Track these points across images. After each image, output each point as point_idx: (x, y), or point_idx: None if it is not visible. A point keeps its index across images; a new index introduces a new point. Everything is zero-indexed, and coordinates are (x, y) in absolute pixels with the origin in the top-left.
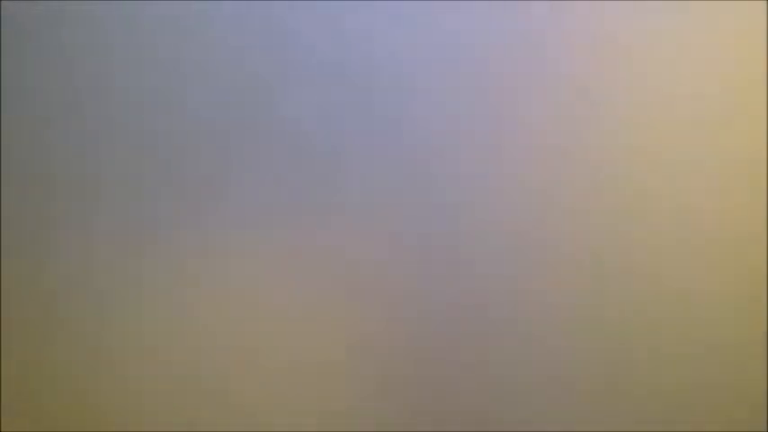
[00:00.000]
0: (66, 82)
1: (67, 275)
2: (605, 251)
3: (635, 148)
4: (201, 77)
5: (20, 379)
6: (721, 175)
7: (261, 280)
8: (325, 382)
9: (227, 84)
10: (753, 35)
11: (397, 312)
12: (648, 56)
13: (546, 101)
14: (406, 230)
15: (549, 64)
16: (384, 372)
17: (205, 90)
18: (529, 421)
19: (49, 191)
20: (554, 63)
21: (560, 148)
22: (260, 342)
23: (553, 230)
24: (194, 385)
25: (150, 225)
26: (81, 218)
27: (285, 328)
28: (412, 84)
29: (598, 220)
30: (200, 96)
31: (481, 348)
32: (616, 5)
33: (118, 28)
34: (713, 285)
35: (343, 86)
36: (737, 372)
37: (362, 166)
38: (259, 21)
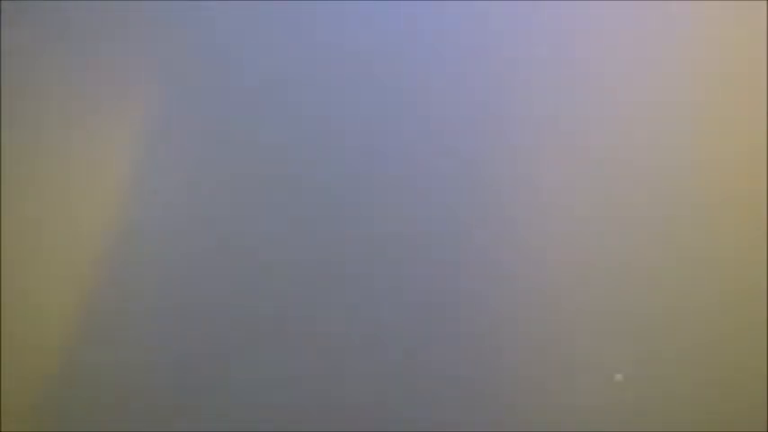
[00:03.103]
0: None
1: None
2: (605, 252)
3: (634, 149)
4: None
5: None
6: (721, 175)
7: None
8: None
9: None
10: (753, 35)
11: None
12: (648, 56)
13: (547, 101)
14: None
15: (550, 63)
16: None
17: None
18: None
19: None
20: (554, 63)
21: (563, 150)
22: None
23: (549, 234)
24: None
25: None
26: None
27: None
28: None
29: (595, 221)
30: None
31: None
32: (616, 5)
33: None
34: (713, 285)
35: None
36: (737, 372)
37: None
38: None
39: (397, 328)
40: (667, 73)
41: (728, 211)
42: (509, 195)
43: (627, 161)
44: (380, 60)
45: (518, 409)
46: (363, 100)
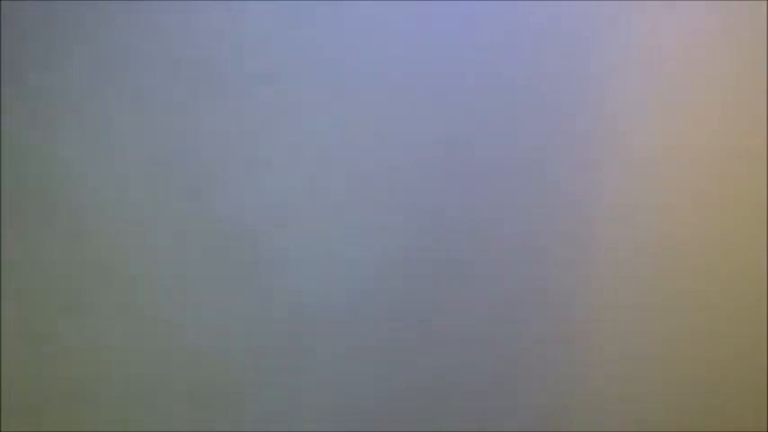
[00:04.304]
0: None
1: None
2: (606, 254)
3: (635, 148)
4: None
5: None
6: (722, 174)
7: None
8: None
9: None
10: (753, 35)
11: None
12: (648, 56)
13: (551, 103)
14: None
15: (553, 63)
16: None
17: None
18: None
19: None
20: (558, 62)
21: (562, 149)
22: None
23: (550, 229)
24: None
25: None
26: None
27: None
28: None
29: (595, 220)
30: None
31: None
32: (617, 5)
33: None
34: (713, 286)
35: None
36: (737, 372)
37: None
38: None
39: (403, 331)
40: (667, 73)
41: (728, 211)
42: (510, 193)
43: (627, 161)
44: (379, 60)
45: (518, 408)
46: (365, 100)
